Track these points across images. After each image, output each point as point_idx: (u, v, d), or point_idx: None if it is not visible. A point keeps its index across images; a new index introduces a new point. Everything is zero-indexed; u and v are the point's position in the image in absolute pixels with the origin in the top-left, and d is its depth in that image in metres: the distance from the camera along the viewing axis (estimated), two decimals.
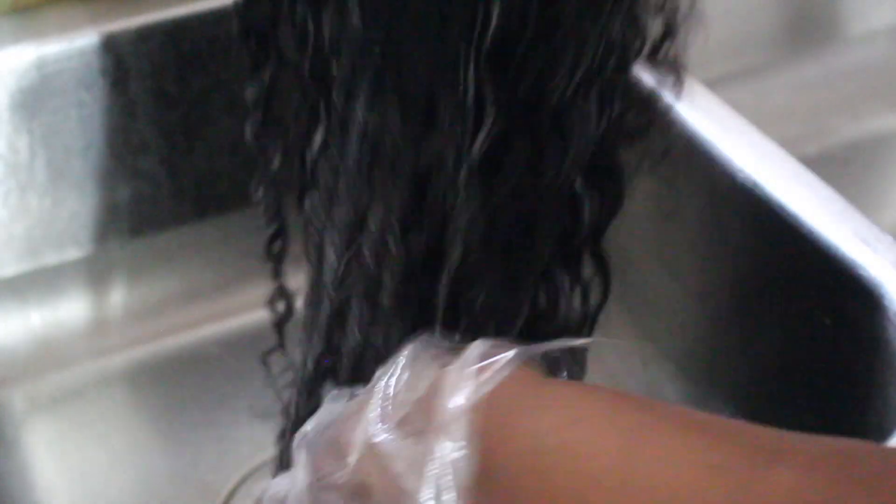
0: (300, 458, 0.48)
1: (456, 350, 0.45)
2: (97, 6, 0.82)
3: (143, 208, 0.87)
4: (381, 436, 0.43)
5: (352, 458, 0.44)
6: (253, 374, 0.85)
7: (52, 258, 0.86)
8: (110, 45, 0.81)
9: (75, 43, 0.80)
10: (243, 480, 0.80)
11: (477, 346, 0.44)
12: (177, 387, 0.86)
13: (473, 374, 0.42)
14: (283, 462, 0.59)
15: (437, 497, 0.41)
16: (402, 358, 0.46)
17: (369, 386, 0.46)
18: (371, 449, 0.43)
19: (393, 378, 0.45)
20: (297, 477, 0.48)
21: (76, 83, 0.80)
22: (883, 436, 0.60)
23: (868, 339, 0.60)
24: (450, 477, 0.41)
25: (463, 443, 0.41)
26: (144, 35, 0.81)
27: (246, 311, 0.90)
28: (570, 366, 0.49)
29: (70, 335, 0.88)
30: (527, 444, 0.40)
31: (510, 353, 0.43)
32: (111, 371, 0.86)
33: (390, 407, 0.44)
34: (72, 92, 0.81)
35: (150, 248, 0.89)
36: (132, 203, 0.86)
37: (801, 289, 0.62)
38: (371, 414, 0.44)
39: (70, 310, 0.88)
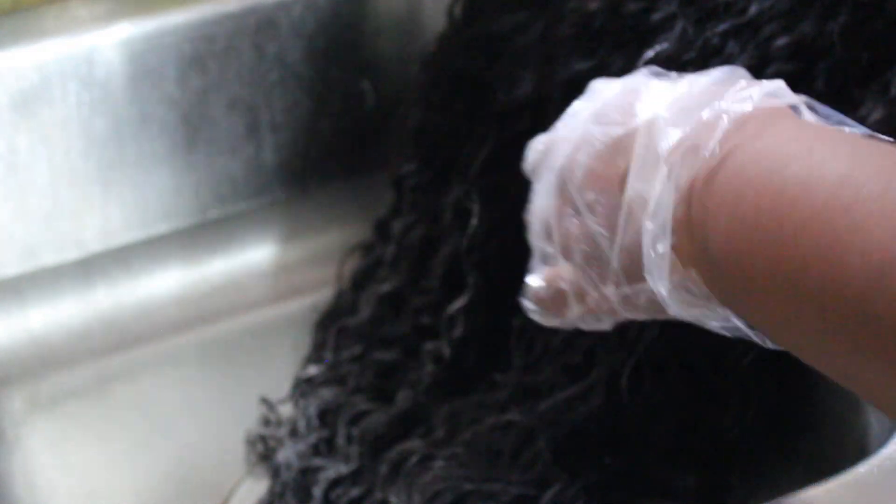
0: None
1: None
2: (97, 7, 0.82)
3: (143, 208, 0.87)
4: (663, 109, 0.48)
5: (641, 116, 0.49)
6: (253, 373, 0.86)
7: (52, 258, 0.86)
8: (110, 46, 0.81)
9: (76, 43, 0.80)
10: (243, 480, 0.80)
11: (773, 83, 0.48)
12: (177, 387, 0.86)
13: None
14: None
15: (670, 161, 0.46)
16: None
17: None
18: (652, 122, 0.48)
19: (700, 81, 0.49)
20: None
21: (77, 83, 0.80)
22: (882, 431, 0.60)
23: None
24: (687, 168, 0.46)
25: (711, 143, 0.45)
26: (145, 35, 0.81)
27: (246, 310, 0.91)
28: None
29: (70, 335, 0.88)
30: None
31: (795, 98, 0.47)
32: (111, 371, 0.86)
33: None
34: (72, 92, 0.81)
35: (149, 248, 0.89)
36: (132, 203, 0.86)
37: None
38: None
39: (70, 310, 0.88)
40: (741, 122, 0.46)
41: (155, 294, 0.90)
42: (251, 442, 0.81)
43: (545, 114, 0.65)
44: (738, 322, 0.47)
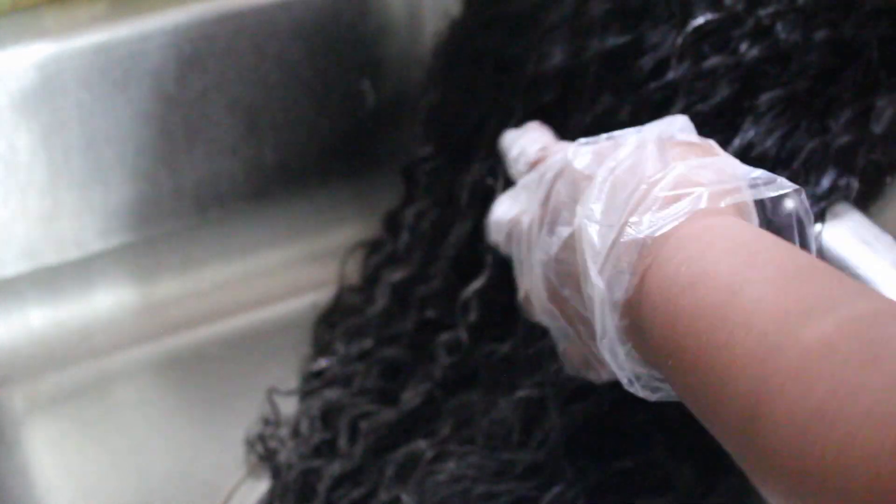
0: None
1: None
2: (97, 6, 0.82)
3: (143, 208, 0.87)
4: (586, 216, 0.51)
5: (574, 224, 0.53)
6: (253, 373, 0.86)
7: (52, 258, 0.86)
8: (110, 46, 0.81)
9: (75, 43, 0.80)
10: (243, 480, 0.80)
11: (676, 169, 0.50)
12: (177, 387, 0.86)
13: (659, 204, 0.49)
14: None
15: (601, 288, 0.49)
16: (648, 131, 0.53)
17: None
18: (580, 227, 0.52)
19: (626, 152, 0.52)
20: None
21: (76, 83, 0.80)
22: None
23: None
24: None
25: (627, 270, 0.48)
26: (144, 35, 0.81)
27: (246, 310, 0.91)
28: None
29: (70, 335, 0.88)
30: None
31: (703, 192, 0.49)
32: (111, 371, 0.86)
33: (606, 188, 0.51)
34: (72, 92, 0.81)
35: (149, 248, 0.89)
36: (132, 203, 0.86)
37: None
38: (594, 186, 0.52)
39: (70, 310, 0.88)
40: (660, 240, 0.48)
41: (154, 294, 0.90)
42: (251, 442, 0.81)
43: (573, 85, 0.68)
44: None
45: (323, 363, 0.82)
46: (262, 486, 0.79)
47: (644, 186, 0.49)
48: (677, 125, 0.54)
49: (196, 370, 0.87)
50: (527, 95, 0.71)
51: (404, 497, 0.72)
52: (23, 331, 0.87)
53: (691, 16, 0.66)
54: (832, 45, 0.63)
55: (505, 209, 0.64)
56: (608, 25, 0.69)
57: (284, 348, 0.86)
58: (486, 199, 0.73)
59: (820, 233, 0.60)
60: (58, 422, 0.83)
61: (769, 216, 0.62)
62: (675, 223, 0.48)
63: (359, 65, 0.89)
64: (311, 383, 0.82)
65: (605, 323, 0.49)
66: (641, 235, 0.48)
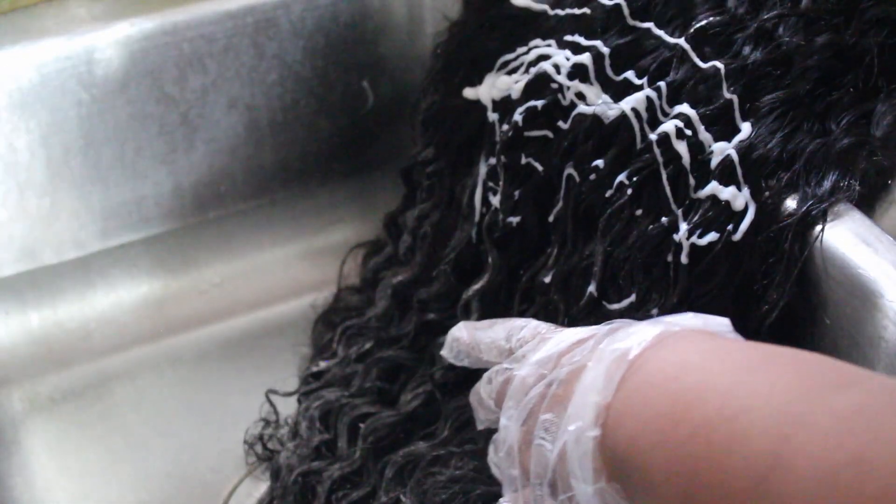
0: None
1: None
2: (96, 6, 0.82)
3: (142, 208, 0.87)
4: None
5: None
6: (253, 373, 0.86)
7: (51, 258, 0.86)
8: (110, 45, 0.80)
9: (75, 43, 0.80)
10: (242, 481, 0.80)
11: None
12: (176, 387, 0.86)
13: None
14: None
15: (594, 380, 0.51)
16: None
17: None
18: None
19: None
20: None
21: (76, 83, 0.80)
22: None
23: (868, 338, 0.60)
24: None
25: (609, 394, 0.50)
26: (144, 35, 0.81)
27: (246, 310, 0.90)
28: None
29: (69, 335, 0.88)
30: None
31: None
32: (110, 371, 0.86)
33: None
34: (71, 92, 0.80)
35: (149, 248, 0.89)
36: (131, 203, 0.86)
37: (801, 289, 0.62)
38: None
39: (70, 310, 0.88)
40: (642, 354, 0.51)
41: (154, 294, 0.90)
42: (250, 443, 0.80)
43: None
44: None
45: (322, 364, 0.82)
46: (262, 486, 0.79)
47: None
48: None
49: (196, 370, 0.87)
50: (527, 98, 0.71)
51: (404, 498, 0.72)
52: (22, 331, 0.87)
53: (694, 18, 0.66)
54: (833, 50, 0.64)
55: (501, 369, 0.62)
56: (611, 26, 0.69)
57: (284, 348, 0.86)
58: (488, 200, 0.73)
59: (821, 233, 0.60)
60: (57, 422, 0.83)
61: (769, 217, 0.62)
62: (655, 337, 0.51)
63: (359, 65, 0.89)
64: (311, 384, 0.82)
65: (580, 444, 0.51)
66: (623, 347, 0.51)
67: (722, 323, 0.54)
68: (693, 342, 0.50)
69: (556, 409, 0.54)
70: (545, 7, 0.73)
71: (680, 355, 0.49)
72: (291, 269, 0.93)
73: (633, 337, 0.52)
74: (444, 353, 0.65)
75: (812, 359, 0.47)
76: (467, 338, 0.63)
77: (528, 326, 0.60)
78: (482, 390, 0.61)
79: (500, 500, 0.59)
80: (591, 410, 0.50)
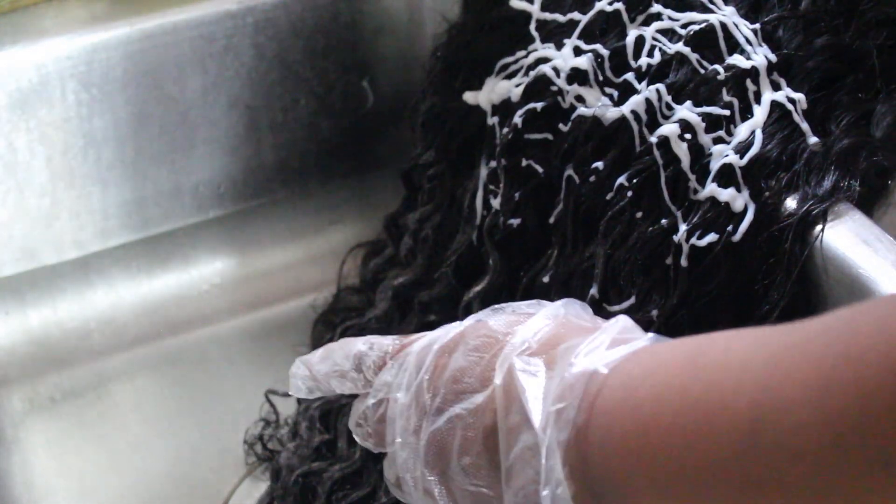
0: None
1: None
2: (96, 6, 0.82)
3: (142, 208, 0.87)
4: (520, 367, 0.50)
5: (497, 380, 0.51)
6: (252, 373, 0.85)
7: (50, 258, 0.86)
8: (110, 46, 0.80)
9: (75, 43, 0.80)
10: (242, 481, 0.80)
11: (618, 322, 0.51)
12: (176, 387, 0.86)
13: (605, 345, 0.49)
14: None
15: (545, 430, 0.48)
16: (556, 307, 0.53)
17: (526, 313, 0.54)
18: (510, 375, 0.50)
19: (543, 320, 0.52)
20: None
21: (76, 82, 0.80)
22: None
23: None
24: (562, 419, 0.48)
25: (575, 402, 0.48)
26: (144, 35, 0.81)
27: (245, 310, 0.90)
28: None
29: (69, 335, 0.88)
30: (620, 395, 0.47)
31: (644, 338, 0.50)
32: (110, 371, 0.86)
33: (534, 345, 0.51)
34: (71, 92, 0.80)
35: (148, 248, 0.89)
36: (131, 203, 0.86)
37: (801, 288, 0.62)
38: (516, 344, 0.51)
39: (69, 310, 0.88)
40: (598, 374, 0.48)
41: (154, 294, 0.90)
42: (250, 443, 0.80)
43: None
44: None
45: None
46: (262, 486, 0.79)
47: (587, 334, 0.50)
48: (570, 308, 0.54)
49: (195, 370, 0.87)
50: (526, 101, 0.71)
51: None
52: (22, 331, 0.87)
53: (694, 21, 0.66)
54: (833, 52, 0.65)
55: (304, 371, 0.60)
56: (613, 27, 0.69)
57: (284, 348, 0.86)
58: (489, 202, 0.73)
59: (821, 233, 0.60)
60: (57, 422, 0.83)
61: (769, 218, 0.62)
62: (627, 352, 0.49)
63: (359, 65, 0.89)
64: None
65: (550, 464, 0.48)
66: (592, 367, 0.48)
67: (622, 325, 0.52)
68: (628, 364, 0.48)
69: (472, 450, 0.51)
70: (545, 14, 0.73)
71: (625, 378, 0.48)
72: (291, 269, 0.93)
73: (564, 377, 0.49)
74: (292, 392, 0.60)
75: (749, 331, 0.46)
76: (309, 373, 0.59)
77: (372, 348, 0.56)
78: (356, 436, 0.57)
79: None
80: (556, 470, 0.48)
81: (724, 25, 0.66)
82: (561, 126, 0.69)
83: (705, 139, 0.64)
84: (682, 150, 0.64)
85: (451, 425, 0.52)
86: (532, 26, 0.72)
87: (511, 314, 0.54)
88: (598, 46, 0.68)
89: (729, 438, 0.42)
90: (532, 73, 0.70)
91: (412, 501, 0.55)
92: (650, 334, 0.50)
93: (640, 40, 0.67)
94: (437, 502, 0.53)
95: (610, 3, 0.69)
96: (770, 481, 0.42)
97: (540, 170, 0.70)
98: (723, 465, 0.43)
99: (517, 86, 0.71)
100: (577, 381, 0.48)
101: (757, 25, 0.66)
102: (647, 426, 0.46)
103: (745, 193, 0.62)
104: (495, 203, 0.72)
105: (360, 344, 0.57)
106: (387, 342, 0.56)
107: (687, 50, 0.66)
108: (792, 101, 0.64)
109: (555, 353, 0.50)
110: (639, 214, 0.65)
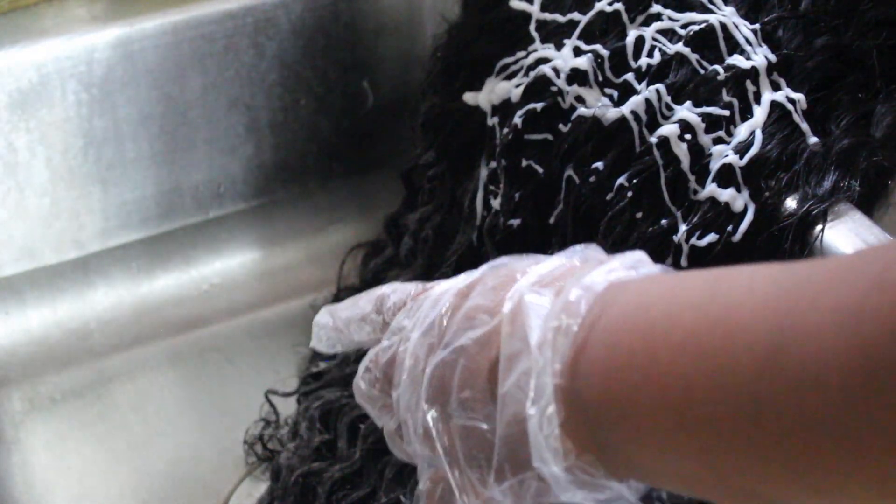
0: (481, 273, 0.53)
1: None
2: (96, 6, 0.82)
3: (142, 208, 0.87)
4: (529, 296, 0.49)
5: (505, 309, 0.49)
6: (253, 373, 0.85)
7: (50, 258, 0.86)
8: (110, 46, 0.80)
9: (75, 43, 0.80)
10: (243, 480, 0.80)
11: (634, 254, 0.50)
12: (176, 387, 0.86)
13: (617, 271, 0.48)
14: None
15: (541, 348, 0.46)
16: (574, 249, 0.52)
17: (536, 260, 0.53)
18: (518, 305, 0.49)
19: (561, 259, 0.51)
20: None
21: (75, 82, 0.80)
22: None
23: None
24: (559, 342, 0.46)
25: (577, 320, 0.46)
26: (144, 35, 0.81)
27: (246, 310, 0.91)
28: None
29: (69, 335, 0.88)
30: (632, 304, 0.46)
31: (655, 267, 0.49)
32: (110, 371, 0.86)
33: (548, 279, 0.49)
34: (71, 92, 0.81)
35: (148, 248, 0.89)
36: (131, 203, 0.86)
37: None
38: (531, 278, 0.50)
39: (69, 310, 0.88)
40: (604, 292, 0.47)
41: (154, 294, 0.90)
42: (250, 443, 0.80)
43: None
44: (629, 496, 0.47)
45: (322, 364, 0.82)
46: (262, 486, 0.79)
47: (590, 263, 0.50)
48: (589, 251, 0.53)
49: (195, 370, 0.87)
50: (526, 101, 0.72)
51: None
52: (21, 331, 0.87)
53: (693, 21, 0.66)
54: (833, 52, 0.65)
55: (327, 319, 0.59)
56: (614, 26, 0.69)
57: (284, 348, 0.86)
58: (489, 202, 0.73)
59: (821, 233, 0.60)
60: (57, 422, 0.83)
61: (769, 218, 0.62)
62: (628, 274, 0.48)
63: (358, 65, 0.89)
64: (311, 384, 0.82)
65: (541, 399, 0.46)
66: (595, 284, 0.47)
67: (637, 258, 0.50)
68: (642, 283, 0.47)
69: (475, 383, 0.49)
70: (545, 14, 0.73)
71: (635, 296, 0.46)
72: (291, 269, 0.93)
73: (567, 296, 0.47)
74: (313, 344, 0.59)
75: (775, 263, 0.43)
76: (332, 322, 0.58)
77: (395, 291, 0.56)
78: (362, 382, 0.56)
79: (419, 487, 0.54)
80: (547, 389, 0.45)
81: (723, 26, 0.66)
82: (561, 126, 0.69)
83: (705, 139, 0.64)
84: (681, 150, 0.64)
85: (455, 356, 0.50)
86: (532, 27, 0.72)
87: (531, 258, 0.53)
88: (597, 47, 0.68)
89: (745, 360, 0.40)
90: (532, 74, 0.70)
91: (411, 452, 0.54)
92: (665, 266, 0.49)
93: (639, 41, 0.67)
94: (435, 443, 0.51)
95: (610, 4, 0.69)
96: (788, 410, 0.38)
97: (540, 170, 0.70)
98: (736, 390, 0.40)
99: (517, 86, 0.71)
100: (579, 299, 0.46)
101: (757, 26, 0.66)
102: (657, 344, 0.43)
103: (745, 194, 0.62)
104: (495, 203, 0.72)
105: (384, 288, 0.57)
106: (410, 287, 0.56)
107: (687, 50, 0.66)
108: (792, 101, 0.64)
109: (566, 283, 0.48)
110: (639, 215, 0.65)
